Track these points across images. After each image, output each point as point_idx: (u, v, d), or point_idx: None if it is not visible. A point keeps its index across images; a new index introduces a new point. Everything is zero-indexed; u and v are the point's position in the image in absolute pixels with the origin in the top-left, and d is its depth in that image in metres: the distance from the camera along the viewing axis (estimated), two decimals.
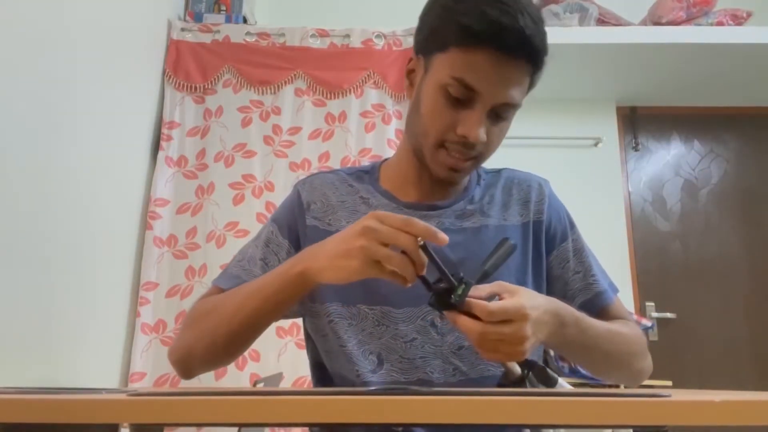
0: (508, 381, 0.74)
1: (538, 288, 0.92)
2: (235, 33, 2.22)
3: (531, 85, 0.87)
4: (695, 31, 2.54)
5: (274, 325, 1.17)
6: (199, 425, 0.49)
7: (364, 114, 2.15)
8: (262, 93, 2.18)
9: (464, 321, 0.68)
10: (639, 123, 3.11)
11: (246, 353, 1.47)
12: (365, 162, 2.05)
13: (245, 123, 2.14)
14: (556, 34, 2.49)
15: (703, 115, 3.11)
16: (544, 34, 0.82)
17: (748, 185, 3.04)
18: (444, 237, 0.69)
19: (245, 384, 1.86)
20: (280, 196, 2.00)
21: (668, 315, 2.84)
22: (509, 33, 0.77)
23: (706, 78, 2.80)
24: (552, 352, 2.15)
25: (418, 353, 0.86)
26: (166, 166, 2.07)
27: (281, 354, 1.92)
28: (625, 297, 2.69)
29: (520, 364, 0.74)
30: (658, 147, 3.11)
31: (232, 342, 0.85)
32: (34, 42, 1.38)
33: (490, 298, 0.69)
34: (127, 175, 1.95)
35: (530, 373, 0.73)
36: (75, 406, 0.46)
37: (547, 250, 0.95)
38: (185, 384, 1.67)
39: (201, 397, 0.46)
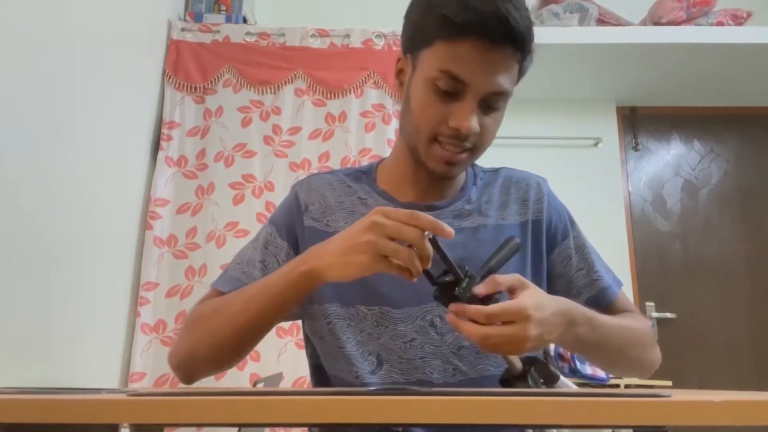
0: (510, 376, 0.74)
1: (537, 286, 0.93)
2: (235, 33, 2.22)
3: (521, 73, 0.86)
4: (695, 31, 2.54)
5: None
6: (199, 425, 0.49)
7: (364, 114, 2.15)
8: (262, 93, 2.18)
9: (465, 326, 0.69)
10: (639, 123, 3.11)
11: None
12: (365, 162, 2.05)
13: (245, 123, 2.14)
14: (556, 34, 2.53)
15: (703, 115, 3.11)
16: (528, 20, 0.81)
17: (747, 185, 3.04)
18: (450, 230, 0.69)
19: (245, 384, 1.86)
20: (280, 196, 2.00)
21: (668, 315, 2.84)
22: (492, 20, 0.77)
23: (706, 78, 2.80)
24: (552, 352, 2.15)
25: (417, 353, 0.86)
26: (166, 166, 2.07)
27: (281, 354, 1.92)
28: None
29: (522, 360, 0.74)
30: (658, 147, 3.11)
31: (236, 344, 0.85)
32: (34, 42, 1.38)
33: (496, 296, 0.70)
34: (127, 175, 1.95)
35: (532, 368, 0.73)
36: (75, 406, 0.46)
37: (548, 248, 0.95)
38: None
39: (201, 397, 0.46)
